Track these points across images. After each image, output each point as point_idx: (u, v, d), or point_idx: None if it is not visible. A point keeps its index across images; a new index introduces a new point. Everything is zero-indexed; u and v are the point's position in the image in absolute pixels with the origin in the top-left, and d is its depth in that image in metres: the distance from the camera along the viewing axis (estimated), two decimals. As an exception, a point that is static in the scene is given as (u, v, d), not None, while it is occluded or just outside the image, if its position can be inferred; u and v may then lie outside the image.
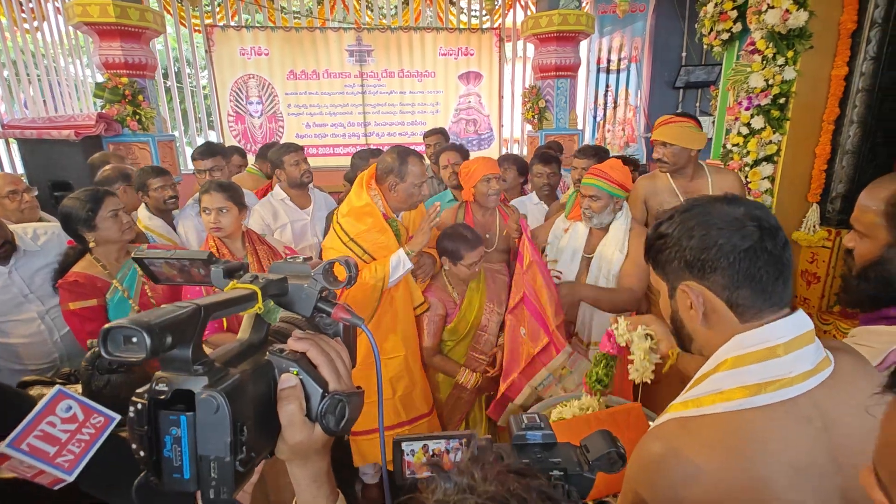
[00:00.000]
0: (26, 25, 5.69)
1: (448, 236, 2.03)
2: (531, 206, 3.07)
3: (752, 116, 2.77)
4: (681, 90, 6.49)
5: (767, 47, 2.64)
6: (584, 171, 2.64)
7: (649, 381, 1.35)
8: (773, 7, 2.56)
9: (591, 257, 2.22)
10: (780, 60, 2.61)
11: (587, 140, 6.72)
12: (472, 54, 6.28)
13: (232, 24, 6.02)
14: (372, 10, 6.16)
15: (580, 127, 5.83)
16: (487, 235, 2.53)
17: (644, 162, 6.21)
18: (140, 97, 4.66)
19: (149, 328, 0.35)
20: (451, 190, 2.90)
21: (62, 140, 4.01)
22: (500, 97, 6.49)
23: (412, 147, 2.19)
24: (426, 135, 3.76)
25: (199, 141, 6.69)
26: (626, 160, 2.84)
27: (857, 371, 0.76)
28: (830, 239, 2.72)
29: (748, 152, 2.84)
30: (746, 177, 2.84)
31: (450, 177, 2.83)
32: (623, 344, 1.40)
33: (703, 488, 0.68)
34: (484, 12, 6.26)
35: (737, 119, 2.86)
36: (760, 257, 0.73)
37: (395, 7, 6.28)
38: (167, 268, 0.57)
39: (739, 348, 0.74)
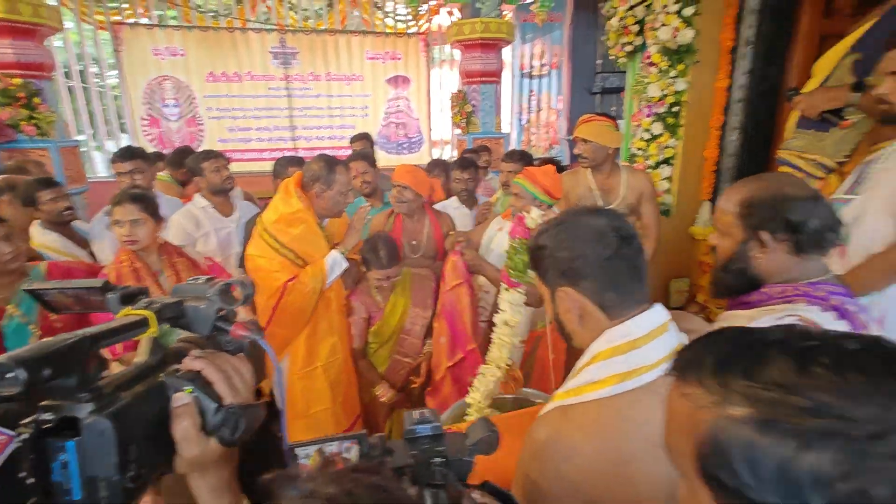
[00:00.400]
0: None
1: (367, 245, 2.08)
2: (452, 209, 3.17)
3: (651, 123, 3.04)
4: (598, 95, 6.91)
5: (662, 60, 2.91)
6: (511, 174, 2.78)
7: None
8: (665, 25, 2.83)
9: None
10: (673, 73, 2.89)
11: (513, 142, 6.99)
12: (399, 58, 6.33)
13: (142, 21, 5.67)
14: (296, 12, 6.03)
15: (506, 130, 6.05)
16: (414, 242, 2.60)
17: (567, 163, 6.55)
18: (37, 99, 4.29)
19: (25, 363, 0.38)
20: (365, 198, 2.94)
21: (-57, 148, 3.62)
22: (429, 101, 6.60)
23: (342, 150, 2.22)
24: (352, 140, 3.77)
25: (110, 146, 6.24)
26: (551, 163, 3.03)
27: None
28: (721, 232, 3.04)
29: (650, 155, 3.12)
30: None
31: (361, 185, 2.87)
32: (532, 226, 1.47)
33: (582, 465, 0.79)
34: (409, 17, 6.33)
35: (639, 125, 3.14)
36: (620, 264, 0.84)
37: (320, 9, 6.20)
38: (61, 297, 0.58)
39: (609, 342, 0.86)
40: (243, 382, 0.58)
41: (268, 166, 6.09)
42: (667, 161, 3.08)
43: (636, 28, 3.22)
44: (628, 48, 3.34)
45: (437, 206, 2.98)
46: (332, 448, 0.66)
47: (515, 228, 1.59)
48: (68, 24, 5.40)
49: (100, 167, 6.18)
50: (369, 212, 2.13)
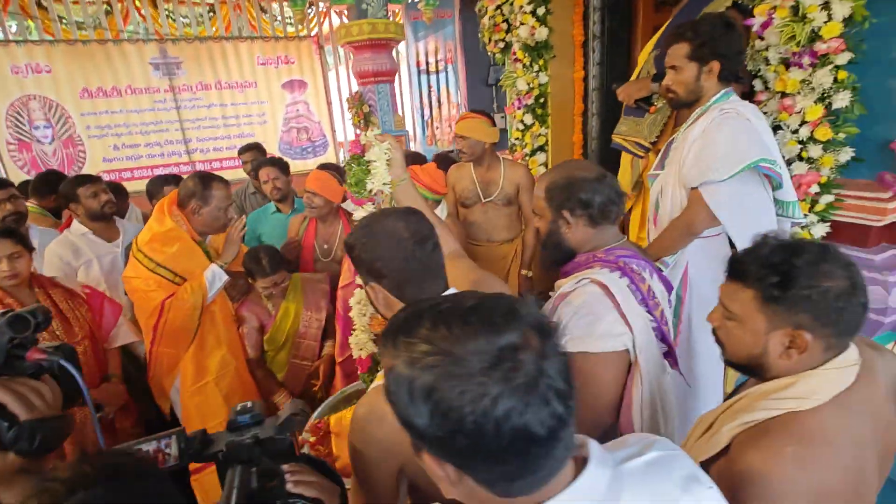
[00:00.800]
0: None
1: (249, 255, 2.13)
2: (350, 210, 3.26)
3: (523, 114, 3.29)
4: (493, 87, 7.21)
5: (525, 56, 3.16)
6: None
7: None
8: (523, 24, 3.07)
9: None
10: (536, 67, 3.15)
11: (418, 138, 7.15)
12: (292, 62, 6.24)
13: (-5, 37, 5.17)
14: (174, 20, 5.74)
15: (408, 127, 6.18)
16: (325, 245, 2.68)
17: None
18: None
19: None
20: (276, 203, 2.98)
21: None
22: (329, 103, 6.57)
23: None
24: (241, 151, 3.72)
25: (-26, 176, 5.62)
26: (446, 157, 3.22)
27: None
28: (594, 209, 3.37)
29: (526, 144, 3.38)
30: (528, 165, 3.37)
31: (272, 191, 2.91)
32: (364, 143, 1.59)
33: (392, 431, 0.92)
34: (298, 21, 6.24)
35: (514, 117, 3.38)
36: (413, 263, 0.98)
37: (201, 16, 5.94)
38: None
39: None
40: (42, 400, 0.66)
41: (160, 184, 5.75)
42: (541, 148, 3.35)
43: (505, 26, 3.45)
44: (501, 45, 3.57)
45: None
46: (151, 446, 0.75)
47: (352, 145, 1.71)
48: None
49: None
50: (244, 225, 2.17)
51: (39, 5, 5.15)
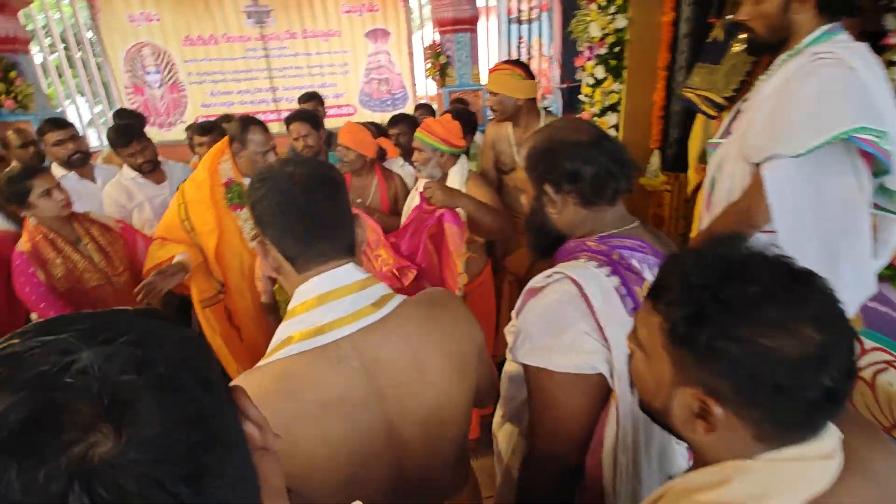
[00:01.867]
0: None
1: None
2: (397, 168, 3.10)
3: (594, 66, 2.82)
4: (592, 38, 6.45)
5: (600, -5, 2.66)
6: None
7: None
8: (599, -47, 2.56)
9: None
10: (613, 8, 2.64)
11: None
12: (377, 10, 6.07)
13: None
14: (266, -34, 5.82)
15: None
16: (359, 200, 2.61)
17: (562, 113, 6.19)
18: (13, 73, 4.40)
19: None
20: None
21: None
22: (410, 54, 6.35)
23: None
24: (301, 100, 3.68)
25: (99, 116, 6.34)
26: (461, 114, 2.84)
27: (411, 315, 0.85)
28: (671, 183, 2.85)
29: (595, 102, 2.91)
30: (596, 127, 2.91)
31: (303, 149, 2.84)
32: None
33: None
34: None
35: (583, 69, 2.91)
36: (293, 212, 0.80)
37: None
38: None
39: (297, 300, 0.82)
40: None
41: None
42: (612, 108, 2.86)
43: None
44: (584, -17, 3.06)
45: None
46: None
47: None
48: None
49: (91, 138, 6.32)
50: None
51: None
